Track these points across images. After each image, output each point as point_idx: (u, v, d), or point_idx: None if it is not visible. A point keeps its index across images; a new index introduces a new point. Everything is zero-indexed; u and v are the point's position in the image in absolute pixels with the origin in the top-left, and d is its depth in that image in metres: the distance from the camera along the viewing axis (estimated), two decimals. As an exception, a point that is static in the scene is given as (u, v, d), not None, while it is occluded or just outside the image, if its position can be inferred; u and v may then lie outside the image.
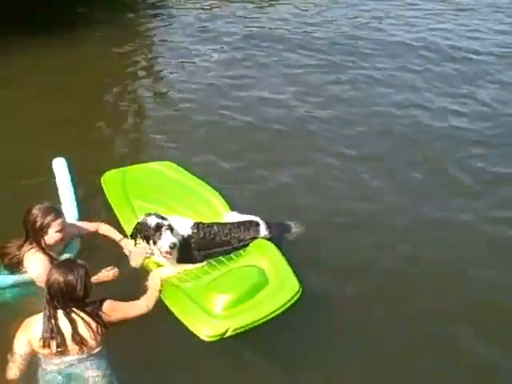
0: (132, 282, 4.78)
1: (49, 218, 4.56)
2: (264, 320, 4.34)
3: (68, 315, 3.82)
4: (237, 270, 4.68)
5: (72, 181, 5.44)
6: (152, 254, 4.79)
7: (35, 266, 4.57)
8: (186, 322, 4.31)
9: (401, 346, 4.43)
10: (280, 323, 4.35)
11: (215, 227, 4.95)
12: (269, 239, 5.02)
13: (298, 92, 8.15)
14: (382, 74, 8.64)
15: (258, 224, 5.06)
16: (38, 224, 4.55)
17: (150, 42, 9.96)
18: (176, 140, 6.91)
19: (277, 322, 4.34)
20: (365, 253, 5.26)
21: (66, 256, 4.79)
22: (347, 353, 4.37)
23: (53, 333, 3.80)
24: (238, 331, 4.25)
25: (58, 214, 4.64)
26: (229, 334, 4.23)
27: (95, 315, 3.86)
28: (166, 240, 4.62)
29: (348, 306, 4.74)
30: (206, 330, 4.22)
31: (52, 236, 4.60)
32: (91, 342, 3.85)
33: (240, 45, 9.70)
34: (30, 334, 3.88)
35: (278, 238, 5.10)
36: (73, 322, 3.81)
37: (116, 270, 4.74)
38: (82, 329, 3.83)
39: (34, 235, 4.59)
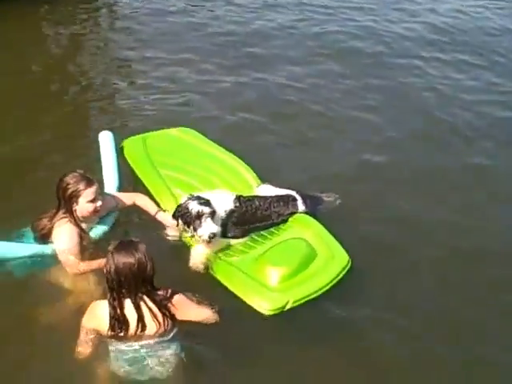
0: (170, 257, 4.70)
1: (81, 186, 4.34)
2: (320, 292, 4.35)
3: (136, 304, 3.62)
4: (285, 242, 4.64)
5: (116, 153, 5.26)
6: (192, 236, 4.64)
7: (62, 238, 4.37)
8: (244, 298, 4.27)
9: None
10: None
11: (256, 201, 4.85)
12: (305, 213, 4.98)
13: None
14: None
15: (295, 199, 5.00)
16: (69, 192, 4.33)
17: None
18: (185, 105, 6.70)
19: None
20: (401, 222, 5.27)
21: (98, 229, 4.63)
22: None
23: (119, 323, 3.63)
24: (298, 303, 4.26)
25: (91, 182, 4.40)
26: (289, 306, 4.24)
27: (163, 306, 3.66)
28: (206, 229, 4.48)
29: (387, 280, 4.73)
30: (266, 304, 4.21)
31: (84, 206, 4.38)
32: (156, 332, 3.69)
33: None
34: (96, 321, 3.72)
35: (312, 211, 5.05)
36: (139, 311, 3.62)
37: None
38: (149, 320, 3.64)
39: (66, 204, 4.37)
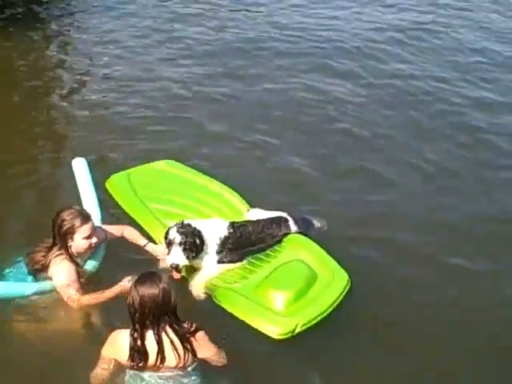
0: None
1: (77, 223, 4.31)
2: (326, 313, 4.38)
3: (158, 336, 3.57)
4: (285, 266, 4.65)
5: (93, 182, 5.17)
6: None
7: (61, 275, 4.32)
8: (252, 324, 4.27)
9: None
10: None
11: (249, 226, 4.90)
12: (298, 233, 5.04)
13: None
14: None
15: (286, 220, 5.05)
16: (65, 228, 4.30)
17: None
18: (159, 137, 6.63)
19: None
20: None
21: (90, 263, 4.59)
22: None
23: (139, 354, 3.59)
24: (306, 326, 4.27)
25: (87, 218, 4.37)
26: (298, 330, 4.25)
27: (186, 340, 3.62)
28: (171, 258, 4.51)
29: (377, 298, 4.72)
30: (276, 328, 4.22)
31: (79, 243, 4.35)
32: (175, 365, 3.64)
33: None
34: (116, 351, 3.67)
35: (304, 231, 5.11)
36: (161, 343, 3.57)
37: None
38: (169, 352, 3.59)
39: (61, 240, 4.34)
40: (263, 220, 4.99)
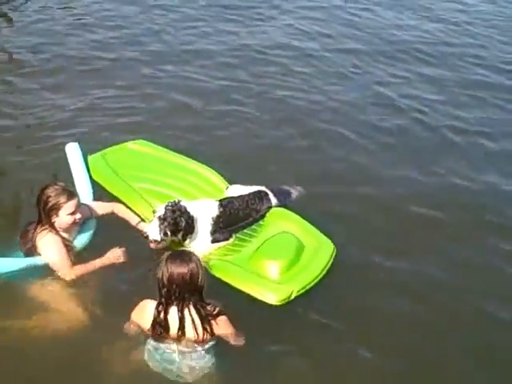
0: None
1: (61, 199, 4.40)
2: (317, 280, 4.61)
3: (181, 312, 3.74)
4: (275, 237, 4.82)
5: (86, 164, 5.29)
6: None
7: (48, 249, 4.44)
8: (251, 292, 4.44)
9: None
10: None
11: (235, 202, 5.04)
12: (279, 206, 5.24)
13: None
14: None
15: (266, 193, 5.24)
16: (50, 205, 4.40)
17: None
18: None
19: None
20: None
21: (79, 239, 4.69)
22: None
23: (161, 326, 3.78)
24: (300, 293, 4.48)
25: (72, 195, 4.48)
26: (293, 296, 4.46)
27: (207, 321, 3.79)
28: (148, 228, 4.65)
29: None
30: (273, 296, 4.41)
31: (64, 219, 4.45)
32: (193, 341, 3.83)
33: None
34: (140, 318, 3.89)
35: (283, 203, 5.32)
36: (182, 320, 3.75)
37: (124, 249, 4.64)
38: (189, 329, 3.78)
39: (46, 216, 4.42)
40: (246, 195, 5.14)
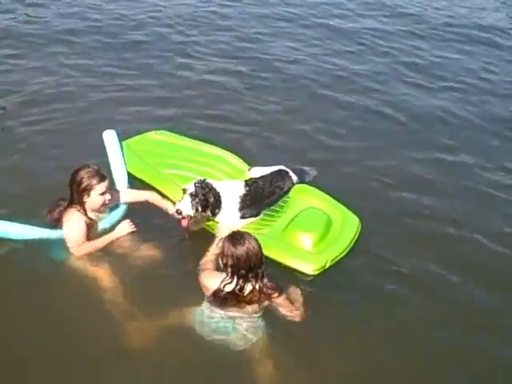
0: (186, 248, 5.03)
1: (94, 181, 4.63)
2: (346, 251, 4.87)
3: (242, 285, 4.05)
4: (304, 212, 5.08)
5: (122, 151, 5.49)
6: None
7: (70, 225, 4.67)
8: (287, 263, 4.72)
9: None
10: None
11: (259, 181, 5.28)
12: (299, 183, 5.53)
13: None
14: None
15: (287, 172, 5.50)
16: (83, 186, 4.62)
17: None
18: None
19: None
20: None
21: (108, 219, 4.93)
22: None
23: (222, 292, 4.08)
24: (333, 262, 4.75)
25: (103, 177, 4.71)
26: (328, 265, 4.72)
27: (264, 293, 4.08)
28: (180, 204, 4.86)
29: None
30: (310, 265, 4.70)
31: (95, 199, 4.67)
32: (251, 310, 4.13)
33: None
34: (207, 284, 4.16)
35: (303, 180, 5.60)
36: (241, 290, 4.06)
37: (129, 221, 4.81)
38: (248, 300, 4.09)
39: (78, 196, 4.65)
40: (269, 174, 5.40)
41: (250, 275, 4.02)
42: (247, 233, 4.16)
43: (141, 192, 5.17)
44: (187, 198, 4.84)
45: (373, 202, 5.58)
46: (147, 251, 4.83)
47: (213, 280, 4.12)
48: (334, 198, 5.33)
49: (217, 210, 4.99)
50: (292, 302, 4.27)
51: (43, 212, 4.82)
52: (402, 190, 5.84)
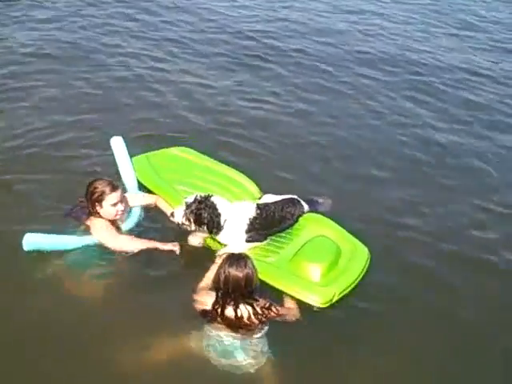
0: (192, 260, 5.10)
1: (106, 190, 4.87)
2: (355, 283, 4.85)
3: (235, 308, 4.13)
4: (312, 241, 5.06)
5: (130, 157, 5.73)
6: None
7: (98, 230, 4.95)
8: (295, 294, 4.67)
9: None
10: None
11: (271, 206, 5.28)
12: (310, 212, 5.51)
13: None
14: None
15: (298, 200, 5.49)
16: (96, 195, 4.88)
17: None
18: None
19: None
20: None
21: (127, 225, 5.15)
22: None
23: (217, 316, 4.15)
24: (341, 295, 4.73)
25: (115, 187, 4.93)
26: (335, 298, 4.70)
27: (259, 314, 4.16)
28: (174, 211, 5.01)
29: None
30: (317, 298, 4.67)
31: (107, 209, 4.90)
32: (249, 332, 4.18)
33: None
34: (202, 304, 4.26)
35: (314, 210, 5.58)
36: (236, 312, 4.12)
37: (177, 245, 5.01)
38: (244, 323, 4.14)
39: (91, 206, 4.89)
40: (280, 201, 5.39)
41: (227, 297, 4.11)
42: (245, 255, 4.24)
43: (150, 196, 5.44)
44: (182, 206, 4.98)
45: (385, 235, 5.56)
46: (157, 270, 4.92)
47: (206, 300, 4.22)
48: (343, 227, 5.31)
49: (214, 230, 5.02)
50: (287, 307, 4.40)
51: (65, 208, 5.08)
52: (415, 224, 5.80)
